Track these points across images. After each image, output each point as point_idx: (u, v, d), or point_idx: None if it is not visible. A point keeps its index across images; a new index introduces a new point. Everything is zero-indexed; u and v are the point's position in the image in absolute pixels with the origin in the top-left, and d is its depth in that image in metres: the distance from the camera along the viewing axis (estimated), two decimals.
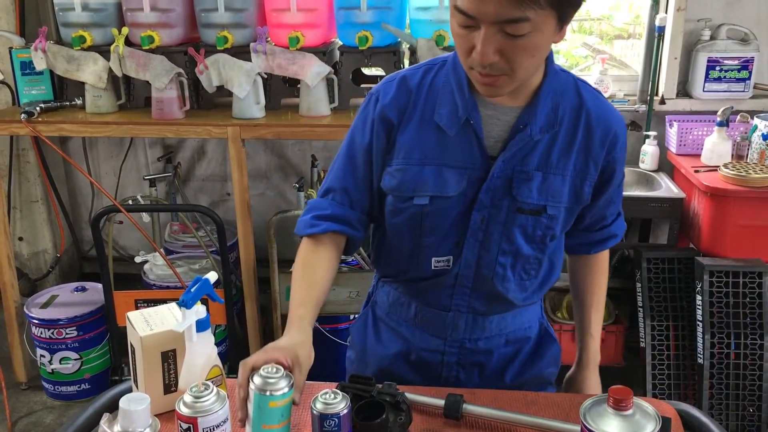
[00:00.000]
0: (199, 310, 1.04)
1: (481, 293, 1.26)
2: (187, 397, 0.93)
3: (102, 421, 0.87)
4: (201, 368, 1.05)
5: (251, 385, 0.95)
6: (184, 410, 0.92)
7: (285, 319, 2.74)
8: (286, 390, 0.94)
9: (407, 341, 1.33)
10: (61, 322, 2.66)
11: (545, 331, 1.40)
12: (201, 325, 1.06)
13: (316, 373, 1.14)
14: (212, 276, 1.08)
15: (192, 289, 1.05)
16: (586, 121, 1.19)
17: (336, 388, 1.04)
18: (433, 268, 1.25)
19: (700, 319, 2.41)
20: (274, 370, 0.96)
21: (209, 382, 0.96)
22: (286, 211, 2.63)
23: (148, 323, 1.16)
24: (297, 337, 1.09)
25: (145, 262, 2.80)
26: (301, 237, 1.26)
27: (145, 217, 2.91)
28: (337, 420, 0.95)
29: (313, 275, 1.21)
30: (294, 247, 3.31)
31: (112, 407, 1.17)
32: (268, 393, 0.93)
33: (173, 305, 1.22)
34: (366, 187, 1.25)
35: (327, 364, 1.76)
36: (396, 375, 1.32)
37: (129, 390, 1.25)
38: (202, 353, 1.05)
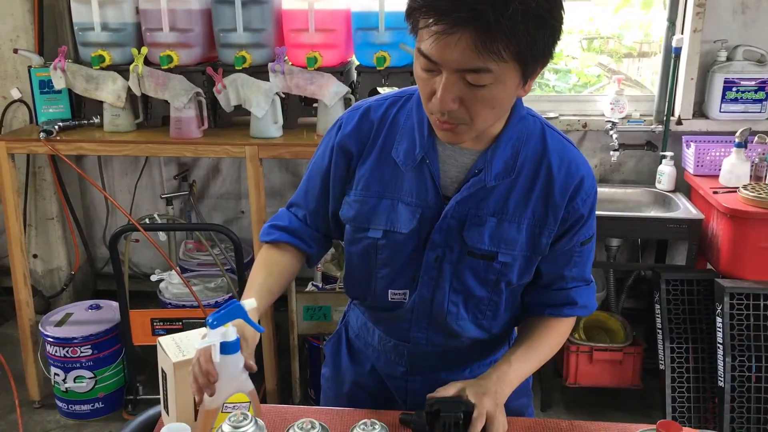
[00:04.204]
0: (228, 333, 1.02)
1: (438, 329, 1.26)
2: (226, 427, 0.92)
3: None
4: (224, 390, 1.03)
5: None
6: None
7: (301, 338, 2.74)
8: None
9: (374, 365, 1.36)
10: (75, 341, 2.64)
11: None
12: (228, 348, 1.02)
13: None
14: (249, 304, 1.07)
15: (222, 311, 1.03)
16: (547, 169, 1.16)
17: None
18: (390, 299, 1.25)
19: (721, 341, 2.39)
20: (242, 417, 0.94)
21: (248, 413, 0.94)
22: None
23: (179, 348, 1.15)
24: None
25: (161, 280, 2.80)
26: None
27: (162, 235, 2.91)
28: None
29: (269, 268, 1.25)
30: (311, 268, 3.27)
31: None
32: None
33: (204, 330, 1.21)
34: (320, 208, 1.27)
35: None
36: (371, 392, 1.35)
37: (157, 416, 1.25)
38: (225, 376, 1.03)
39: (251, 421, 0.93)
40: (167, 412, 1.19)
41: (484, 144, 1.15)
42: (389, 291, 1.25)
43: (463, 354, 1.29)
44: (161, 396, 1.20)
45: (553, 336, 1.26)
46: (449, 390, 1.14)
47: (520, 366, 1.20)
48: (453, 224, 1.17)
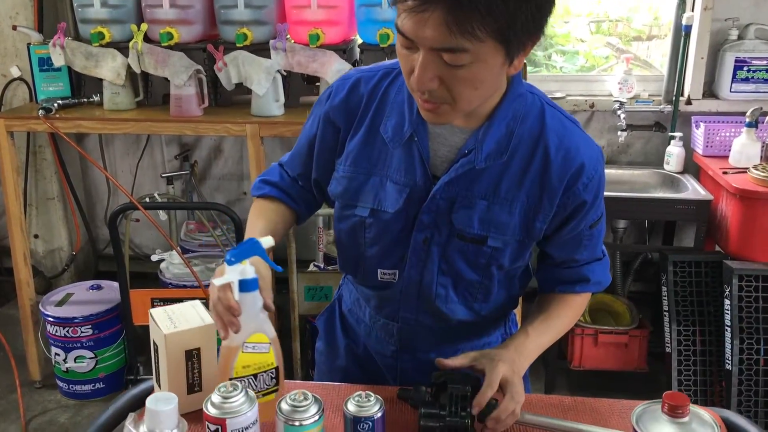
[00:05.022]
0: (246, 270, 0.98)
1: (427, 310, 1.22)
2: (215, 398, 0.89)
3: (128, 421, 0.84)
4: (243, 329, 1.00)
5: (278, 415, 0.90)
6: (212, 411, 0.88)
7: (303, 319, 2.72)
8: (317, 417, 0.90)
9: (365, 342, 1.33)
10: (76, 321, 2.63)
11: None
12: (247, 285, 0.99)
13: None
14: (266, 241, 1.02)
15: (239, 248, 0.99)
16: (543, 151, 1.09)
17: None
18: (379, 278, 1.21)
19: (729, 324, 2.35)
20: (302, 397, 0.91)
21: (237, 382, 0.91)
22: None
23: (171, 321, 1.12)
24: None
25: (162, 260, 2.77)
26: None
27: (162, 215, 2.89)
28: (370, 423, 0.91)
29: (267, 216, 1.25)
30: (312, 247, 3.26)
31: (134, 407, 1.13)
32: (297, 424, 0.89)
33: (197, 303, 1.19)
34: (307, 173, 1.26)
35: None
36: (365, 367, 1.32)
37: (151, 389, 1.22)
38: (244, 314, 0.99)
39: (241, 391, 0.90)
40: (159, 385, 1.16)
41: (477, 122, 1.09)
42: (378, 270, 1.21)
43: (453, 335, 1.26)
44: (153, 368, 1.17)
45: (568, 310, 1.24)
46: (461, 359, 1.10)
47: (538, 337, 1.17)
48: (442, 205, 1.12)
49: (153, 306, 2.57)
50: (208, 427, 0.89)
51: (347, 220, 1.20)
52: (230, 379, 0.99)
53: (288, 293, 2.60)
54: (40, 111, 2.50)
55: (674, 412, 0.80)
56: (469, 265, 1.16)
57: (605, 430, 1.04)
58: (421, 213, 1.13)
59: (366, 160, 1.15)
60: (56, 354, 2.69)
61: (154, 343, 1.14)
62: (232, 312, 0.99)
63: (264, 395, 1.05)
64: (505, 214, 1.11)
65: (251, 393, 0.92)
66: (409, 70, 0.98)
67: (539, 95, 1.13)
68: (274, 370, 1.04)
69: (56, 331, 2.65)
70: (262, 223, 1.21)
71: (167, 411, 0.83)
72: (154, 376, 1.18)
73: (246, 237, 1.17)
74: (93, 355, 2.68)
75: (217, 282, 0.98)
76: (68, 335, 2.64)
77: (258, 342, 1.03)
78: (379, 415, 0.92)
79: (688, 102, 2.87)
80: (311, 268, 2.70)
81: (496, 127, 1.09)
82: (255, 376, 1.03)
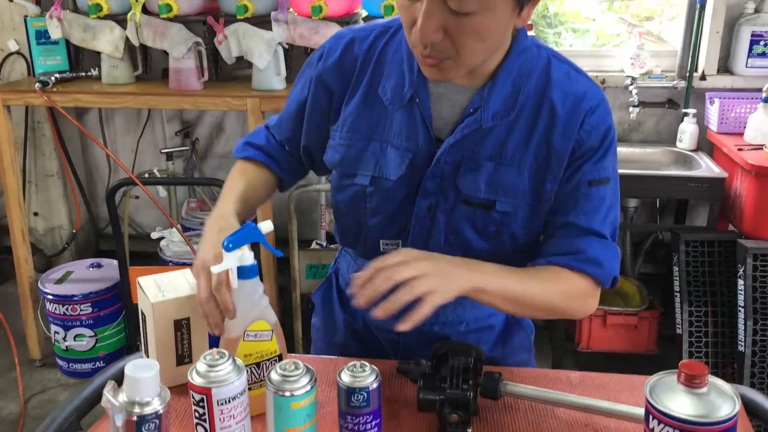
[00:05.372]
0: (244, 256, 0.93)
1: None
2: (201, 366, 0.83)
3: (106, 389, 0.78)
4: (242, 318, 0.95)
5: (268, 387, 0.84)
6: (197, 380, 0.83)
7: (304, 298, 2.67)
8: (309, 388, 0.84)
9: (364, 316, 1.25)
10: (75, 298, 2.59)
11: (514, 319, 1.24)
12: (246, 272, 0.94)
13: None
14: (265, 225, 0.96)
15: (238, 233, 0.94)
16: (549, 106, 1.02)
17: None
18: (381, 249, 1.15)
19: (742, 304, 2.28)
20: (293, 366, 0.85)
21: (224, 350, 0.86)
22: (306, 185, 2.53)
23: (160, 289, 1.07)
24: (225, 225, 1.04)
25: (162, 238, 2.73)
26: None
27: (162, 191, 2.84)
28: (365, 394, 0.86)
29: (248, 179, 1.18)
30: (314, 226, 3.21)
31: (121, 379, 1.08)
32: (288, 394, 0.83)
33: (187, 271, 1.13)
34: (295, 138, 1.19)
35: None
36: (365, 344, 1.26)
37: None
38: (244, 303, 0.95)
39: (228, 359, 0.84)
40: (147, 355, 1.11)
41: (481, 80, 1.03)
42: (381, 241, 1.15)
43: (458, 309, 1.19)
44: (142, 339, 1.12)
45: (553, 277, 1.04)
46: (391, 259, 0.94)
47: (500, 271, 0.99)
48: (447, 170, 1.06)
49: None
50: (193, 397, 0.84)
51: (346, 190, 1.14)
52: None
53: (289, 272, 2.55)
54: (37, 84, 2.45)
55: (691, 383, 0.74)
56: (478, 234, 1.09)
57: (609, 404, 0.98)
58: (425, 179, 1.07)
59: (364, 126, 1.09)
60: (56, 332, 2.66)
61: (142, 312, 1.09)
62: (227, 314, 0.93)
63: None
64: (513, 175, 1.05)
65: (239, 362, 0.86)
66: (411, 22, 0.91)
67: (545, 48, 1.07)
68: (277, 357, 0.99)
69: (55, 309, 2.62)
70: (241, 186, 1.14)
71: (147, 378, 0.78)
72: (142, 348, 1.13)
73: (222, 199, 1.12)
74: (93, 334, 2.65)
75: (215, 270, 0.92)
76: (67, 313, 2.61)
77: (259, 330, 0.98)
78: (375, 386, 0.86)
79: (703, 77, 2.78)
80: (313, 246, 2.65)
81: (502, 84, 1.02)
82: (258, 364, 0.98)
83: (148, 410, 0.78)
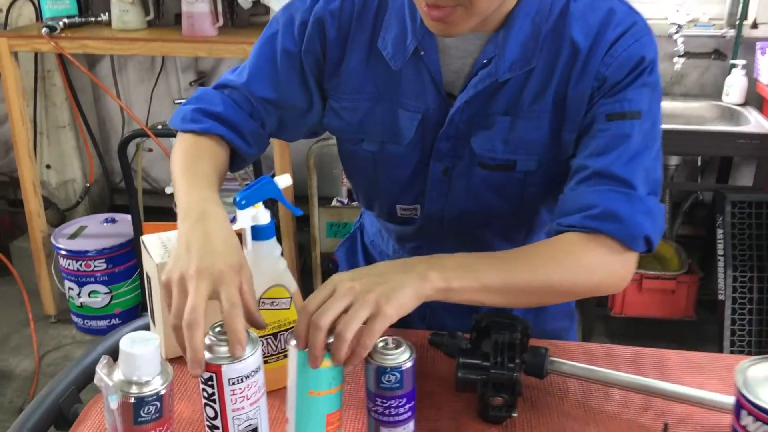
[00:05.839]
0: (259, 215, 0.82)
1: (457, 245, 1.00)
2: (209, 339, 0.72)
3: (99, 367, 0.68)
4: (258, 284, 0.83)
5: (290, 341, 0.73)
6: (204, 356, 0.72)
7: (324, 257, 2.56)
8: None
9: None
10: (89, 254, 2.51)
11: None
12: (261, 233, 0.83)
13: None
14: (282, 179, 0.84)
15: (252, 188, 0.82)
16: (570, 42, 0.87)
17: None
18: (399, 215, 1.03)
19: None
20: None
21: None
22: (326, 138, 2.40)
23: (166, 248, 0.96)
24: (230, 237, 0.78)
25: None
26: (176, 131, 0.97)
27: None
28: (398, 374, 0.74)
29: (213, 160, 0.92)
30: (335, 182, 3.08)
31: None
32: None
33: None
34: (276, 99, 0.97)
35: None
36: None
37: (146, 328, 1.07)
38: (259, 266, 0.83)
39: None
40: (153, 322, 1.01)
41: (494, 24, 0.88)
42: (397, 206, 1.03)
43: None
44: (147, 304, 1.01)
45: (551, 251, 0.84)
46: (321, 294, 0.73)
47: (471, 261, 0.80)
48: (462, 129, 0.93)
49: None
50: (201, 375, 0.73)
51: (353, 157, 1.01)
52: None
53: (309, 230, 2.44)
54: (44, 29, 2.32)
55: None
56: (499, 196, 0.97)
57: (672, 386, 0.86)
58: (438, 140, 0.94)
59: (370, 84, 0.95)
60: (69, 288, 2.59)
61: (147, 275, 0.98)
62: (254, 324, 0.73)
63: (285, 357, 0.89)
64: (532, 129, 0.91)
65: (254, 334, 0.75)
66: None
67: None
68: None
69: (69, 265, 2.55)
70: (209, 167, 0.90)
71: (146, 354, 0.67)
72: (149, 314, 1.03)
73: (185, 173, 0.88)
74: (108, 291, 2.58)
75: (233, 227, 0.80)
76: (81, 269, 2.53)
77: (277, 297, 0.86)
78: (409, 365, 0.75)
79: (754, 26, 2.58)
80: (334, 203, 2.54)
81: (519, 26, 0.87)
82: (274, 335, 0.88)
83: (147, 391, 0.67)
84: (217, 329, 0.73)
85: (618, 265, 0.85)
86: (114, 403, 0.66)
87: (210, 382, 0.71)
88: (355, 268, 0.79)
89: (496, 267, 0.80)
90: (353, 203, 2.52)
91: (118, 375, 0.68)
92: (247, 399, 0.73)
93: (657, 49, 0.89)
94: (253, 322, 0.74)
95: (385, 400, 0.75)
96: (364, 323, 0.71)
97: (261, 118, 0.98)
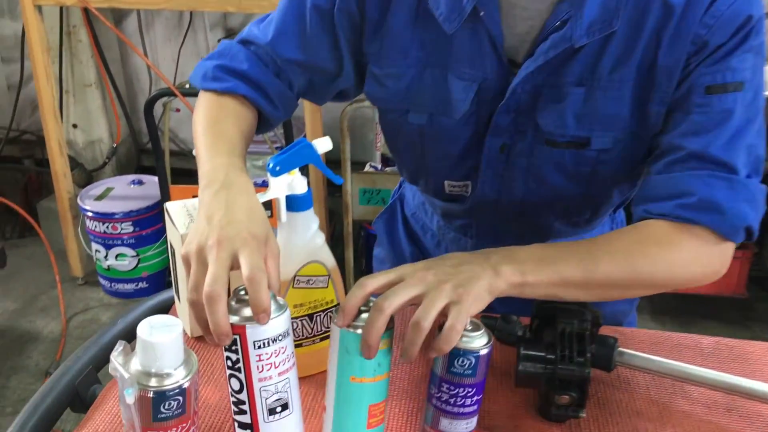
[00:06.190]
0: (295, 182, 0.74)
1: (511, 229, 0.93)
2: (233, 302, 0.63)
3: (114, 354, 0.59)
4: (293, 259, 0.76)
5: (333, 318, 0.64)
6: (229, 318, 0.62)
7: (357, 224, 2.47)
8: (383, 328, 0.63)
9: (434, 254, 1.04)
10: (116, 216, 2.46)
11: None
12: (297, 203, 0.75)
13: None
14: (322, 143, 0.75)
15: (287, 152, 0.73)
16: (661, 3, 0.74)
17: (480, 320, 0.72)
18: (447, 191, 0.93)
19: None
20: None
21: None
22: (361, 100, 2.28)
23: (191, 217, 0.87)
24: (255, 207, 0.69)
25: None
26: (199, 89, 0.89)
27: None
28: (473, 360, 0.65)
29: (239, 123, 0.84)
30: (368, 146, 2.96)
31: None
32: (360, 331, 0.63)
33: None
34: (304, 60, 0.88)
35: None
36: None
37: (171, 301, 0.99)
38: (294, 241, 0.75)
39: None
40: (178, 297, 0.93)
41: None
42: (446, 182, 0.93)
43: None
44: (172, 276, 0.93)
45: (638, 242, 0.75)
46: (385, 277, 0.67)
47: (546, 253, 0.72)
48: (525, 101, 0.81)
49: None
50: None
51: (398, 130, 0.91)
52: None
53: (341, 196, 2.35)
54: None
55: None
56: (566, 177, 0.86)
57: (761, 384, 0.76)
58: (497, 114, 0.82)
59: (418, 48, 0.83)
60: (96, 251, 2.55)
61: (171, 245, 0.90)
62: (261, 315, 0.61)
63: (321, 340, 0.80)
64: (611, 102, 0.79)
65: (282, 300, 0.65)
66: None
67: None
68: (334, 309, 0.79)
69: (95, 227, 2.50)
70: (235, 130, 0.82)
71: (167, 343, 0.58)
72: (173, 286, 0.94)
73: (215, 153, 0.78)
74: (135, 254, 2.53)
75: (260, 198, 0.70)
76: (108, 231, 2.48)
77: (313, 275, 0.78)
78: (485, 351, 0.65)
79: None
80: (367, 168, 2.43)
81: None
82: (310, 317, 0.79)
83: (168, 384, 0.59)
84: (242, 291, 0.64)
85: (714, 258, 0.78)
86: (130, 397, 0.57)
87: (234, 347, 0.62)
88: (408, 265, 0.69)
89: (577, 259, 0.71)
90: (387, 169, 2.42)
91: (136, 365, 0.59)
92: (275, 367, 0.63)
93: (764, 3, 0.76)
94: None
95: (452, 387, 0.67)
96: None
97: (288, 79, 0.90)
